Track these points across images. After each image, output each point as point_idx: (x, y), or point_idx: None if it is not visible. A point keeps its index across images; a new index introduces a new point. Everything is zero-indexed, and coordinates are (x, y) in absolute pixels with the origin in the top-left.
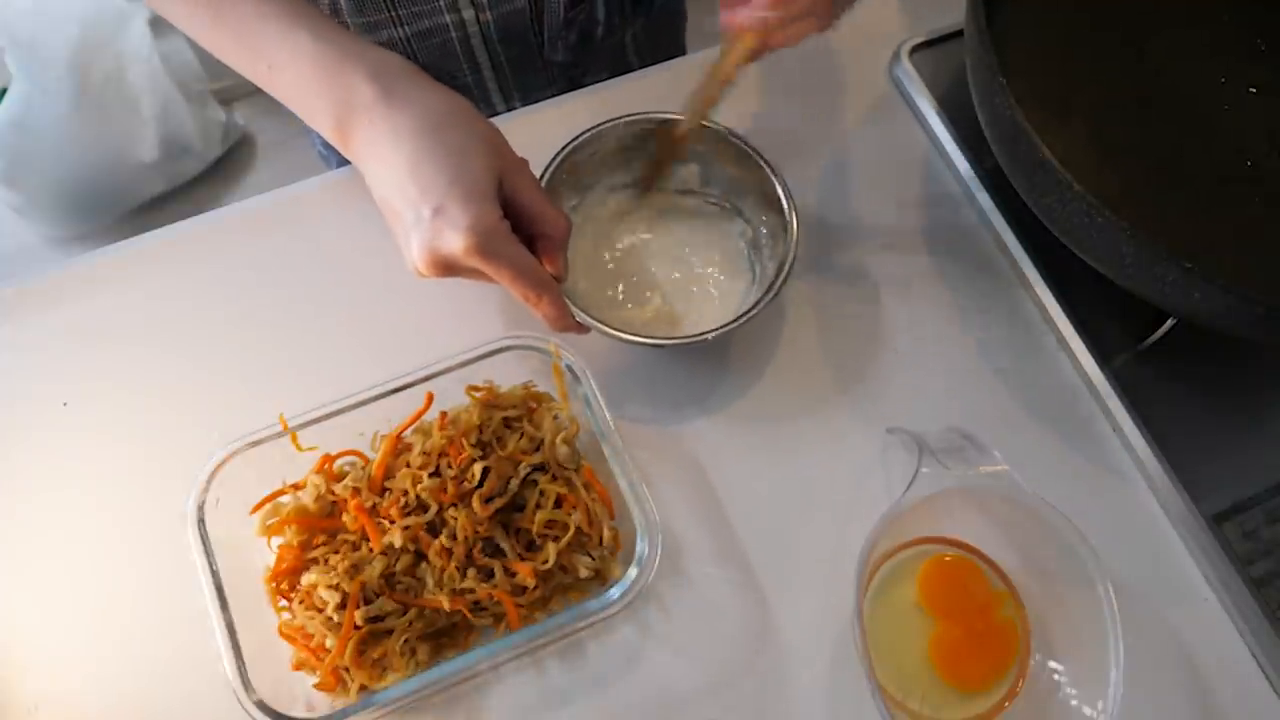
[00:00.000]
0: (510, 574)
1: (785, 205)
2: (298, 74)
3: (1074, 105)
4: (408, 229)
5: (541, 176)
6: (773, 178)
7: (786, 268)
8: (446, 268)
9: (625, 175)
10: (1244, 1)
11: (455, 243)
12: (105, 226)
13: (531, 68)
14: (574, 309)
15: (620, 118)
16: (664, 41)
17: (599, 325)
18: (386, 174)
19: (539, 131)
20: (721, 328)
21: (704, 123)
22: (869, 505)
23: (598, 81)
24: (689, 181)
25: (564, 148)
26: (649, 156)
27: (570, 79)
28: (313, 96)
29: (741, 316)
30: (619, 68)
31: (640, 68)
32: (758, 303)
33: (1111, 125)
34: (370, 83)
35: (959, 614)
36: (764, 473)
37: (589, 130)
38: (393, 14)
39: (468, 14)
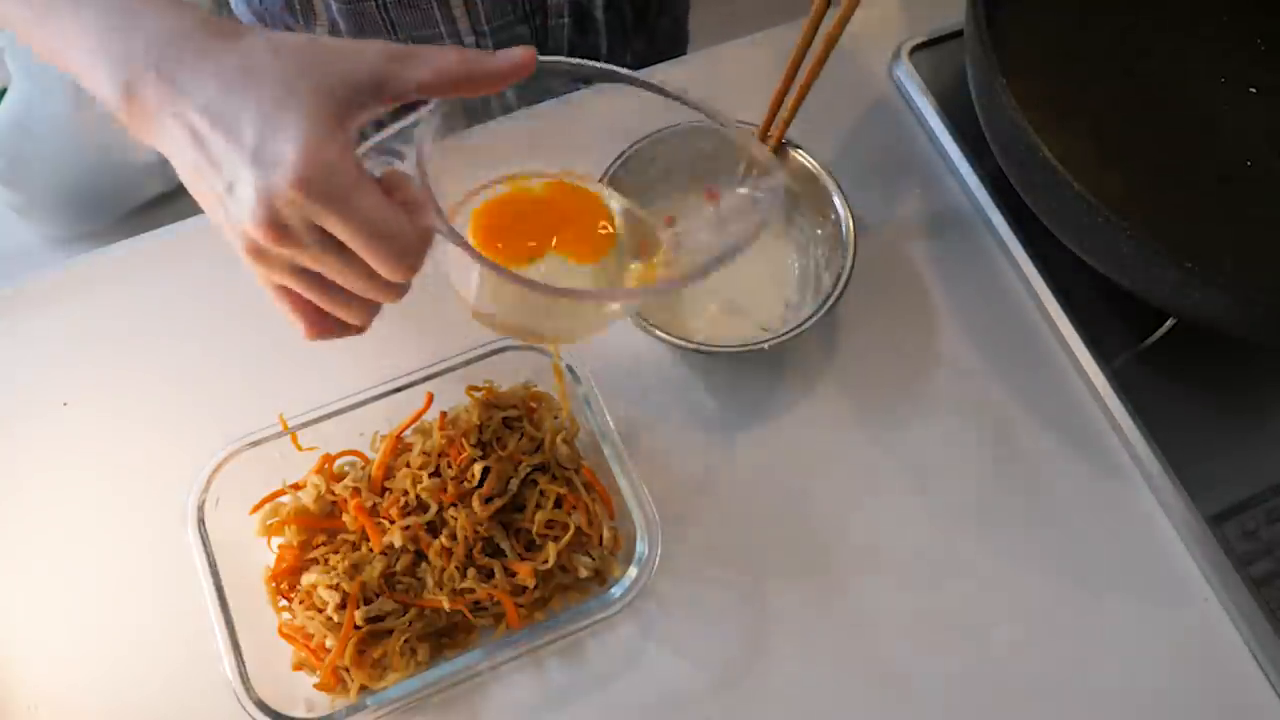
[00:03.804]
0: (510, 574)
1: (843, 217)
2: (78, 38)
3: (1074, 105)
4: (221, 197)
5: (601, 178)
6: (832, 190)
7: (842, 283)
8: (278, 230)
9: (682, 179)
10: (1244, 2)
11: (280, 184)
12: (105, 226)
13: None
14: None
15: (677, 125)
16: (664, 60)
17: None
18: (189, 132)
19: None
20: (777, 337)
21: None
22: (869, 505)
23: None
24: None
25: (624, 151)
26: (714, 160)
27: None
28: (98, 60)
29: (796, 328)
30: None
31: None
32: (811, 315)
33: (1111, 125)
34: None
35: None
36: (764, 472)
37: (649, 135)
38: (384, 18)
39: (468, 40)
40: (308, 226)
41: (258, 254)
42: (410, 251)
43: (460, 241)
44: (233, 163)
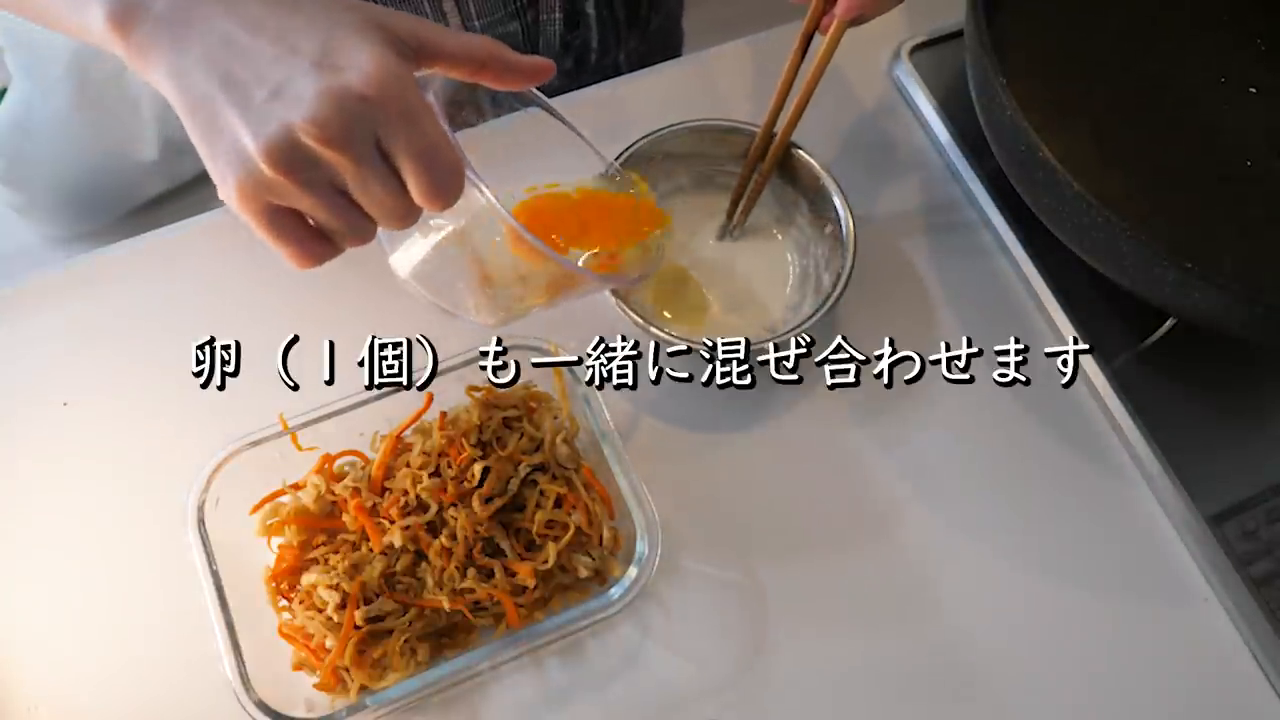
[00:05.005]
0: (510, 574)
1: (843, 217)
2: None
3: (1074, 105)
4: (253, 107)
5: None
6: (832, 190)
7: (842, 283)
8: (336, 131)
9: (680, 180)
10: (1244, 2)
11: (355, 83)
12: (105, 226)
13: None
14: (624, 308)
15: (682, 122)
16: (660, 59)
17: (640, 318)
18: (221, 41)
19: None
20: (777, 337)
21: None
22: (868, 504)
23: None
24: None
25: (627, 148)
26: (709, 163)
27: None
28: None
29: (796, 328)
30: None
31: None
32: (811, 315)
33: (1111, 125)
34: None
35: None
36: (764, 472)
37: (651, 134)
38: None
39: None
40: (366, 135)
41: (289, 166)
42: (456, 180)
43: (480, 179)
44: (286, 68)
